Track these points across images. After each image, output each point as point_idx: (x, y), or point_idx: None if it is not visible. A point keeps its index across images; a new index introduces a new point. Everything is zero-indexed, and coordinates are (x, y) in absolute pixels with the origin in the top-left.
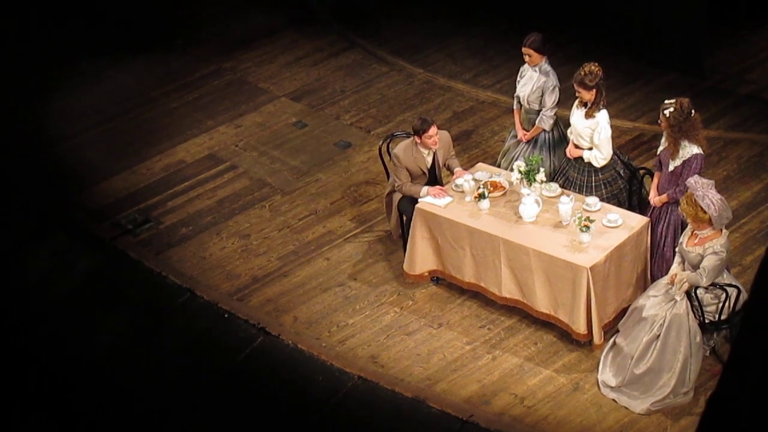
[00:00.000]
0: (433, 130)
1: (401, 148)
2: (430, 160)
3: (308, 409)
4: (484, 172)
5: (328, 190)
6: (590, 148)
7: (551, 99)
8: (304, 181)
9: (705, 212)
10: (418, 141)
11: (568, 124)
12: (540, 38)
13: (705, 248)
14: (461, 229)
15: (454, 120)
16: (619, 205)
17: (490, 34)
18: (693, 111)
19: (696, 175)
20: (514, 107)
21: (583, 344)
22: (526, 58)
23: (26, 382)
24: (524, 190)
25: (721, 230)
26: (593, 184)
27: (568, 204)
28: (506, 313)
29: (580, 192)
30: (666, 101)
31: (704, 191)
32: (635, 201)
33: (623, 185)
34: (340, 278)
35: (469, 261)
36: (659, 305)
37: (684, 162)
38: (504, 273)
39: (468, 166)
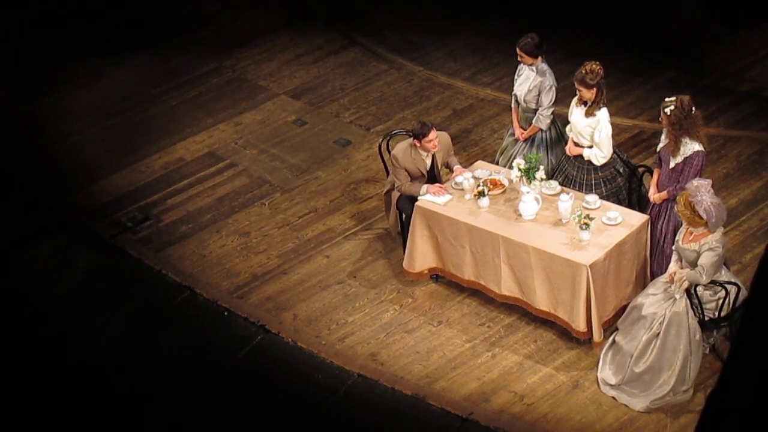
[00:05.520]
0: (432, 134)
1: (400, 149)
2: (429, 162)
3: (308, 406)
4: (483, 169)
5: (328, 188)
6: (590, 146)
7: (548, 99)
8: (303, 178)
9: (701, 218)
10: (417, 144)
11: (566, 123)
12: (534, 42)
13: (701, 245)
14: (461, 226)
15: (454, 118)
16: (619, 202)
17: (489, 32)
18: (694, 108)
19: (696, 178)
20: (512, 105)
21: (582, 342)
22: (519, 57)
23: (26, 381)
24: (524, 188)
25: None
26: (593, 181)
27: (567, 202)
28: (506, 310)
29: (579, 190)
30: (666, 99)
31: (702, 196)
32: (635, 198)
33: (623, 183)
34: (340, 276)
35: (469, 259)
36: (658, 303)
37: (685, 159)
38: (503, 271)
39: (467, 164)
